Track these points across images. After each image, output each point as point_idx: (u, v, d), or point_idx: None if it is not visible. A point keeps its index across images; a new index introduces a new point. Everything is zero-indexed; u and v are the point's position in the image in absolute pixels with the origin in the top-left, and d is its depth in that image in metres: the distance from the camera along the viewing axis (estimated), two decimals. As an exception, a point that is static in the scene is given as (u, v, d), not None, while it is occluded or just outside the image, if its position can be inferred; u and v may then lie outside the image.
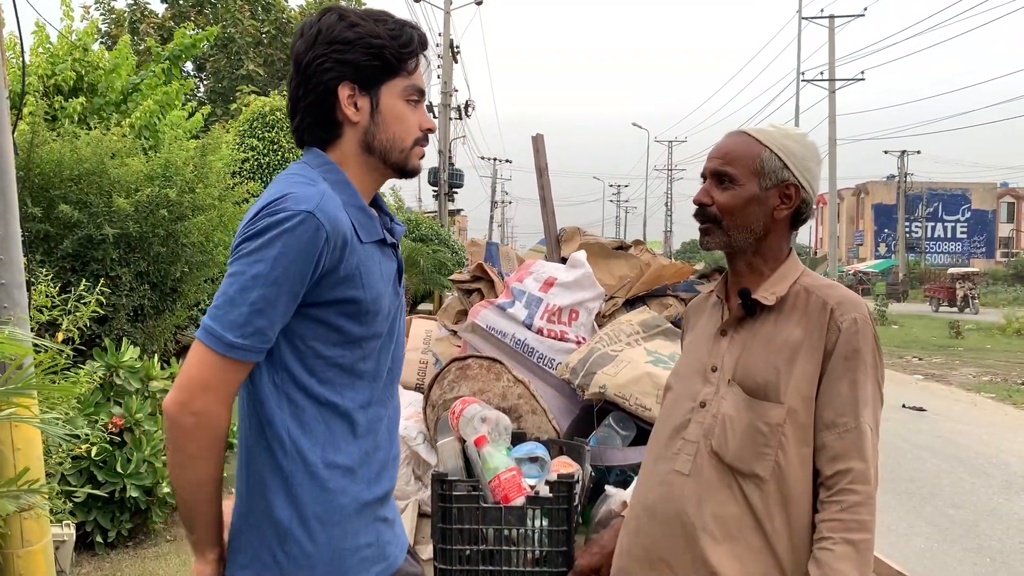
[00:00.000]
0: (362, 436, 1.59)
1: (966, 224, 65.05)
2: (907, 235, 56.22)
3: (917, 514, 6.32)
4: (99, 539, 4.86)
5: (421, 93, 1.66)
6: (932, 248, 63.87)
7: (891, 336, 22.44)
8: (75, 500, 4.58)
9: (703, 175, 1.85)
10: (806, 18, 34.25)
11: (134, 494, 4.77)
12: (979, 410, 11.38)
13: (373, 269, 1.57)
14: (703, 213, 1.82)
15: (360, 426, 1.58)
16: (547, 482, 2.25)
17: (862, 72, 34.89)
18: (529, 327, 3.06)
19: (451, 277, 3.62)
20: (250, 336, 1.44)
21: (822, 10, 35.13)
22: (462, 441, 2.52)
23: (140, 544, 5.10)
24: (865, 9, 33.93)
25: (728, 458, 1.75)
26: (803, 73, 34.32)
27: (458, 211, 43.29)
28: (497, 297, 3.23)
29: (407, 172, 1.67)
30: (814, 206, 1.89)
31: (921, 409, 10.85)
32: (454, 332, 3.35)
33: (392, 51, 1.59)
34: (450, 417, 2.59)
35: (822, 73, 34.64)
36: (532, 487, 2.35)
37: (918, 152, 54.51)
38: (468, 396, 2.71)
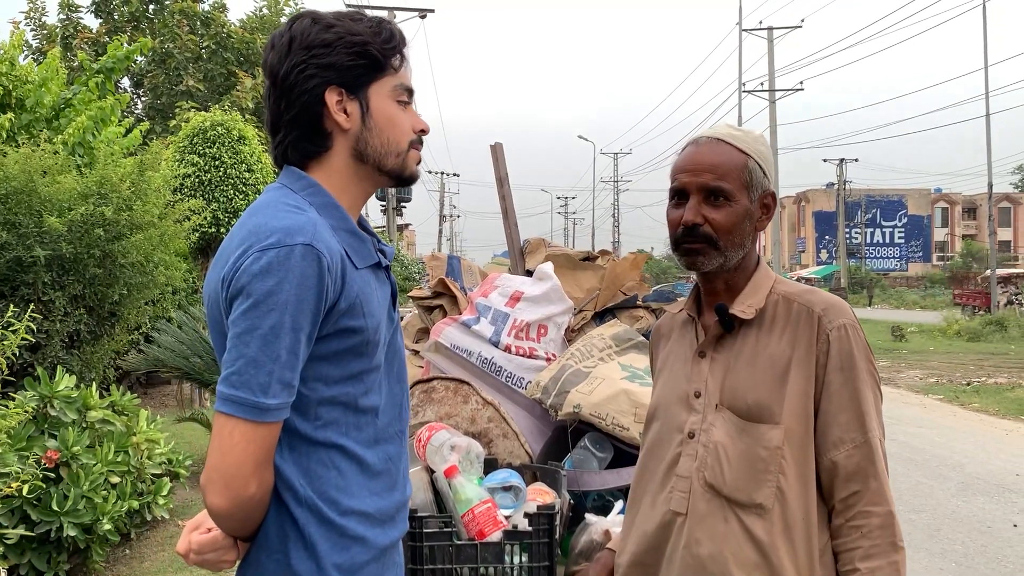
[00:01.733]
0: (375, 477, 1.46)
1: (903, 229, 66.90)
2: (847, 241, 57.52)
3: (880, 520, 6.29)
4: (34, 582, 4.53)
5: (410, 92, 1.53)
6: (871, 254, 65.48)
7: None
8: (7, 542, 4.27)
9: (681, 190, 1.67)
10: (746, 30, 34.88)
11: (72, 533, 4.45)
12: (929, 412, 11.53)
13: (372, 296, 1.44)
14: (695, 234, 1.64)
15: (372, 466, 1.46)
16: (526, 514, 2.08)
17: (801, 82, 35.66)
18: (496, 344, 2.89)
19: (410, 293, 3.43)
20: (281, 393, 1.32)
21: (760, 22, 35.77)
22: (430, 471, 2.34)
23: (79, 586, 4.78)
24: (802, 20, 34.70)
25: (726, 490, 1.60)
26: (744, 84, 34.91)
27: (406, 225, 43.03)
28: (460, 314, 3.06)
29: (405, 178, 1.54)
30: None
31: (874, 413, 10.93)
32: (415, 352, 3.16)
33: (376, 47, 1.46)
34: (416, 445, 2.41)
35: (762, 84, 35.27)
36: (508, 519, 2.18)
37: (856, 160, 55.94)
38: (434, 421, 2.53)
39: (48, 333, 5.08)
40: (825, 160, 55.58)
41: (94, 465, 4.64)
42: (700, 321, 1.75)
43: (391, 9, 27.16)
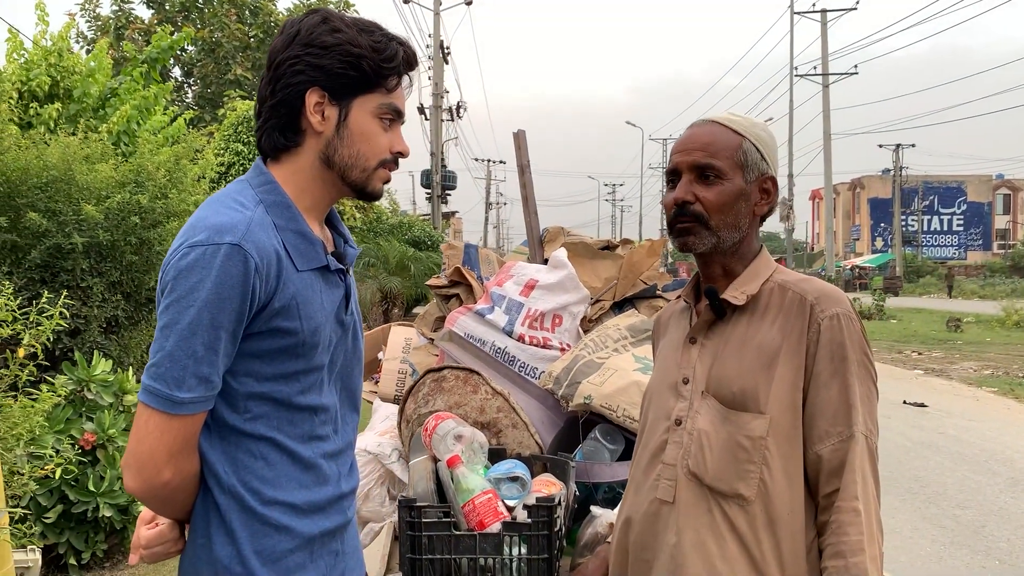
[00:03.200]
0: (307, 470, 1.48)
1: (962, 217, 65.02)
2: (903, 229, 56.15)
3: (922, 515, 6.14)
4: (73, 561, 4.65)
5: (398, 113, 1.53)
6: (929, 241, 63.81)
7: (890, 330, 22.29)
8: (46, 521, 4.39)
9: (675, 170, 1.67)
10: (798, 13, 34.13)
11: (108, 513, 4.56)
12: (981, 405, 11.20)
13: (312, 299, 1.45)
14: (686, 212, 1.63)
15: (305, 460, 1.47)
16: (525, 506, 2.06)
17: (855, 66, 34.75)
18: (510, 334, 2.86)
19: (428, 282, 3.43)
20: (197, 387, 1.35)
21: (814, 4, 34.87)
22: (436, 460, 2.34)
23: (117, 565, 4.90)
24: (857, 2, 33.78)
25: (708, 479, 1.58)
26: (796, 68, 34.21)
27: (452, 213, 43.12)
28: (476, 303, 3.04)
29: (366, 194, 1.54)
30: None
31: (923, 405, 10.68)
32: (431, 340, 3.15)
33: (371, 64, 1.47)
34: (423, 434, 2.40)
35: (815, 68, 34.52)
36: (511, 510, 2.16)
37: (913, 146, 54.50)
38: (443, 411, 2.52)
39: (87, 319, 5.19)
40: (880, 146, 54.31)
41: (130, 447, 4.73)
42: (696, 308, 1.73)
43: (438, -4, 27.15)
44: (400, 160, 1.56)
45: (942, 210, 64.81)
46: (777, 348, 1.57)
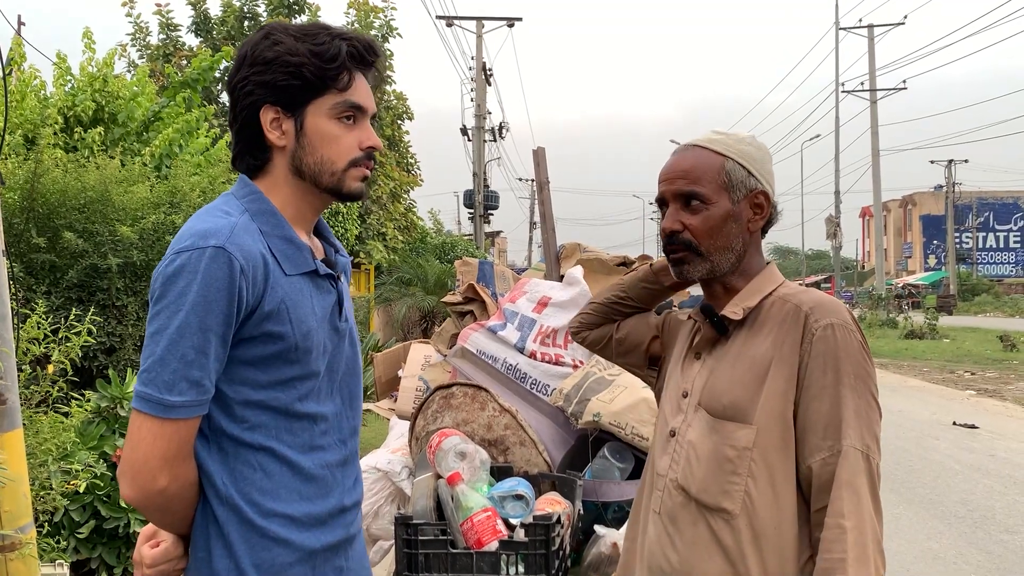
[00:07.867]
0: (308, 481, 1.46)
1: (1019, 233, 63.19)
2: (957, 246, 54.77)
3: (968, 540, 5.93)
4: (104, 575, 4.71)
5: (358, 108, 1.51)
6: (984, 259, 62.13)
7: (942, 350, 21.72)
8: (79, 536, 4.46)
9: (661, 200, 1.66)
10: (844, 28, 33.73)
11: (138, 529, 4.61)
12: (1036, 427, 10.82)
13: (302, 303, 1.45)
14: (676, 241, 1.62)
15: (305, 471, 1.46)
16: (522, 524, 2.03)
17: (904, 81, 34.18)
18: (521, 351, 2.84)
19: (443, 299, 3.42)
20: (188, 391, 1.34)
21: (860, 20, 34.43)
22: (440, 477, 2.32)
23: (148, 580, 4.96)
24: (905, 17, 33.27)
25: (693, 490, 1.55)
26: (843, 84, 33.77)
27: (497, 233, 43.27)
28: (489, 319, 3.02)
29: (344, 195, 1.53)
30: (779, 208, 1.69)
31: (973, 426, 10.36)
32: (446, 357, 3.15)
33: (312, 68, 1.45)
34: (428, 451, 2.39)
35: (863, 83, 34.02)
36: (513, 528, 2.13)
37: (966, 161, 53.19)
38: (449, 428, 2.51)
39: (122, 337, 5.29)
40: (932, 161, 53.13)
41: (160, 464, 4.78)
42: (702, 325, 1.70)
43: (480, 19, 27.43)
44: (372, 154, 1.53)
45: (998, 227, 63.10)
46: (769, 357, 1.54)
